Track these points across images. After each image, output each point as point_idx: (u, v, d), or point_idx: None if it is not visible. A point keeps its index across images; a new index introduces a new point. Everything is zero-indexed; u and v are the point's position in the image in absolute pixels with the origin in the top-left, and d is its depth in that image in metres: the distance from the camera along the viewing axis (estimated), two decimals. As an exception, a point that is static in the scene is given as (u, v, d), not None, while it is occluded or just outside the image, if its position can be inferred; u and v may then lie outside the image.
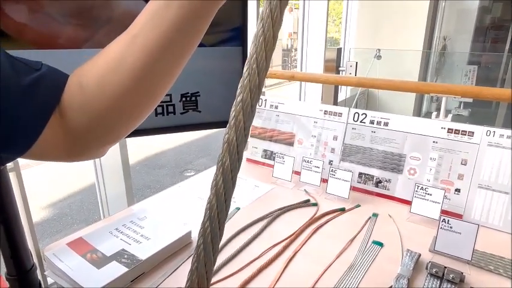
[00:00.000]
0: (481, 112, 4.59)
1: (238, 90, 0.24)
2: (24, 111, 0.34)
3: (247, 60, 0.24)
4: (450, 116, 1.28)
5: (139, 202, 1.12)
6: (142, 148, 4.48)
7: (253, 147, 1.34)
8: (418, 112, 4.18)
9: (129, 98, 0.35)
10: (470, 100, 4.33)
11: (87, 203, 3.28)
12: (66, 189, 3.50)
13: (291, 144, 1.25)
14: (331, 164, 1.16)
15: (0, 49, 0.34)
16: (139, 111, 0.37)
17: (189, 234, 0.86)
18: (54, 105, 0.35)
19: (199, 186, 1.18)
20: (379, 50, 3.23)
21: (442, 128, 0.99)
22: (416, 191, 0.94)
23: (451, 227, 0.78)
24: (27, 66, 0.35)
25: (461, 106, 4.45)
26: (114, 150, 1.47)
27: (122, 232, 0.85)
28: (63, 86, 0.36)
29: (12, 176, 0.73)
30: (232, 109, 0.24)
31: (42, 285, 0.71)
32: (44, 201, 3.32)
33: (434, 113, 1.38)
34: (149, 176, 3.93)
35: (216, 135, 5.22)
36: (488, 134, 0.92)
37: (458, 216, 0.94)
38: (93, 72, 0.35)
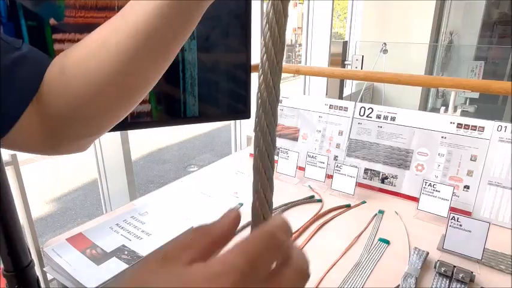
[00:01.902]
0: (487, 108, 4.53)
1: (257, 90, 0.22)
2: (1, 94, 0.31)
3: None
4: (459, 110, 1.25)
5: (141, 197, 1.10)
6: (146, 143, 4.48)
7: (257, 142, 1.32)
8: (424, 108, 4.14)
9: (109, 86, 0.32)
10: (477, 96, 4.29)
11: (91, 198, 3.28)
12: (70, 184, 3.51)
13: (295, 139, 1.23)
14: (336, 160, 1.14)
15: None
16: (120, 104, 0.34)
17: (190, 230, 0.84)
18: (34, 89, 0.33)
19: (202, 181, 1.16)
20: (385, 44, 3.19)
21: (451, 122, 0.96)
22: (424, 188, 0.91)
23: (460, 225, 0.75)
24: (6, 44, 0.32)
25: (467, 102, 4.40)
26: (116, 145, 1.45)
27: (122, 228, 0.83)
28: (44, 69, 0.33)
29: (10, 170, 0.72)
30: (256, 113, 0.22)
31: (41, 282, 0.70)
32: (48, 196, 3.33)
33: (443, 108, 1.34)
34: (152, 171, 3.92)
35: (219, 131, 5.20)
36: (499, 129, 0.89)
37: (467, 214, 0.91)
38: (75, 55, 0.32)
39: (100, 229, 0.82)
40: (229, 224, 0.20)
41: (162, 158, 4.27)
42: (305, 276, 0.19)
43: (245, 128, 1.89)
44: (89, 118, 0.35)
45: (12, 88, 0.32)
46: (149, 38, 0.29)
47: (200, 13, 0.30)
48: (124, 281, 0.18)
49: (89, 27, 0.44)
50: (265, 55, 0.21)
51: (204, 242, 0.19)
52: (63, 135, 0.36)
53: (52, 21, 0.42)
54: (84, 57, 0.32)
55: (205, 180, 1.16)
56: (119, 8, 0.44)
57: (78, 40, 0.43)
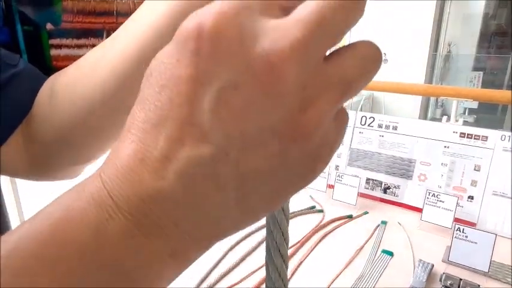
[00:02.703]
0: (486, 118, 4.54)
1: None
2: None
3: None
4: (461, 120, 1.25)
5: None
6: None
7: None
8: (423, 118, 4.14)
9: (99, 111, 0.29)
10: (476, 106, 4.30)
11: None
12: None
13: (296, 148, 1.22)
14: (338, 169, 1.12)
15: None
16: (109, 131, 0.32)
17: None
18: (25, 111, 0.31)
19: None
20: (385, 53, 3.21)
21: (454, 132, 0.95)
22: (428, 198, 0.89)
23: (466, 236, 0.74)
24: (1, 61, 0.31)
25: (466, 112, 4.41)
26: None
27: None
28: (36, 91, 0.31)
29: (4, 181, 0.70)
30: None
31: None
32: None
33: (445, 118, 1.34)
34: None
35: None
36: (503, 139, 0.88)
37: (472, 225, 0.90)
38: (66, 77, 0.31)
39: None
40: None
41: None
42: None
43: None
44: (76, 146, 0.32)
45: (2, 108, 0.30)
46: (139, 64, 0.27)
47: None
48: None
49: (86, 33, 0.43)
50: None
51: None
52: (50, 162, 0.34)
53: (49, 26, 0.41)
54: (75, 80, 0.30)
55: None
56: (118, 12, 0.44)
57: (76, 45, 0.42)
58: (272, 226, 0.20)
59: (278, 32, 0.13)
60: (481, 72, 4.51)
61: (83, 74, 0.30)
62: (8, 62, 0.31)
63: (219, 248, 0.82)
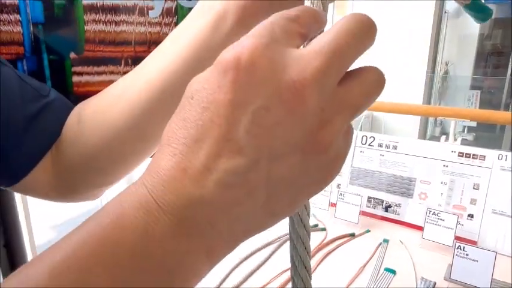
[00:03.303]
0: (485, 136, 4.57)
1: None
2: (22, 142, 0.32)
3: None
4: (459, 139, 1.27)
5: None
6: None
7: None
8: (423, 136, 4.17)
9: (123, 140, 0.32)
10: (475, 124, 4.33)
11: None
12: (69, 211, 3.47)
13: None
14: (340, 188, 1.14)
15: (12, 69, 0.33)
16: (133, 155, 0.34)
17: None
18: (54, 138, 0.34)
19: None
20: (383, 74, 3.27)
21: (452, 151, 0.98)
22: (428, 216, 0.91)
23: (467, 254, 0.75)
24: (35, 92, 0.33)
25: (465, 130, 4.45)
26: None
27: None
28: (65, 119, 0.34)
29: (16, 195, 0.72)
30: None
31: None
32: (46, 223, 3.28)
33: (443, 137, 1.37)
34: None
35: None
36: (500, 158, 0.90)
37: (473, 243, 0.91)
38: (93, 106, 0.33)
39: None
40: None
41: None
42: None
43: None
44: (101, 170, 0.35)
45: (34, 135, 0.33)
46: (163, 93, 0.30)
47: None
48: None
49: (106, 61, 0.46)
50: None
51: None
52: (75, 185, 0.36)
53: (72, 55, 0.44)
54: (101, 108, 0.32)
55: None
56: (135, 42, 0.47)
57: (97, 73, 0.45)
58: (296, 241, 0.22)
59: (301, 63, 0.16)
60: (479, 91, 4.56)
61: (110, 102, 0.32)
62: (41, 93, 0.34)
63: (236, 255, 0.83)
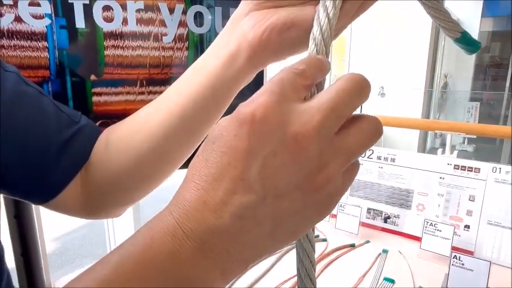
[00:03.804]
0: (485, 148, 4.60)
1: None
2: (56, 164, 0.36)
3: None
4: (456, 152, 1.31)
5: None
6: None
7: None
8: (422, 148, 4.20)
9: (146, 162, 0.36)
10: (474, 136, 4.35)
11: (90, 238, 3.24)
12: (71, 223, 3.48)
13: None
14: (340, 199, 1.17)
15: (50, 98, 0.37)
16: (157, 176, 0.38)
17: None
18: (84, 161, 0.37)
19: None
20: (383, 87, 3.32)
21: (448, 164, 1.01)
22: (426, 227, 0.94)
23: (462, 264, 0.78)
24: (69, 119, 0.37)
25: (466, 142, 4.48)
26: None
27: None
28: (94, 142, 0.38)
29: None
30: None
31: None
32: (48, 235, 3.29)
33: (440, 149, 1.40)
34: (154, 209, 3.90)
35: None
36: (494, 171, 0.94)
37: (469, 253, 0.93)
38: (120, 131, 0.37)
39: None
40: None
41: (165, 197, 4.26)
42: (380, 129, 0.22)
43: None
44: (126, 189, 0.39)
45: (67, 158, 0.36)
46: (184, 121, 0.34)
47: (234, 95, 0.34)
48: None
49: (123, 82, 0.50)
50: None
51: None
52: (102, 203, 0.40)
53: (92, 77, 0.48)
54: (127, 134, 0.36)
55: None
56: (150, 65, 0.51)
57: (114, 93, 0.49)
58: (302, 255, 0.25)
59: (304, 117, 0.20)
60: (478, 103, 4.60)
61: (135, 129, 0.36)
62: (74, 120, 0.38)
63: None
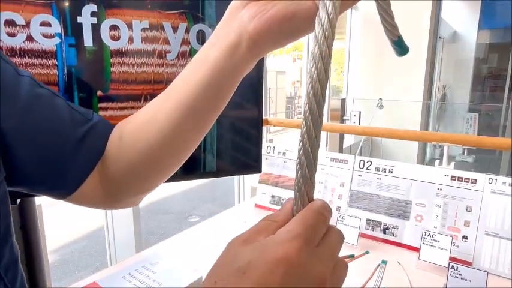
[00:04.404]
0: (485, 158, 4.61)
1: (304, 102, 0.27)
2: (74, 159, 0.38)
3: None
4: (453, 163, 1.32)
5: (151, 247, 1.13)
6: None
7: (262, 193, 1.37)
8: (422, 158, 4.21)
9: (158, 153, 0.38)
10: (474, 146, 4.35)
11: (89, 250, 3.24)
12: (70, 235, 3.47)
13: (299, 190, 1.28)
14: (339, 210, 1.18)
15: (62, 98, 0.39)
16: (168, 165, 0.40)
17: (200, 280, 0.87)
18: (99, 155, 0.40)
19: (209, 232, 1.19)
20: (381, 99, 3.35)
21: (445, 175, 1.02)
22: (424, 238, 0.95)
23: (460, 274, 0.79)
24: (82, 117, 0.40)
25: (465, 153, 4.49)
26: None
27: (134, 277, 0.86)
28: (108, 138, 0.40)
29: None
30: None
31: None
32: (48, 247, 3.28)
33: (437, 161, 1.42)
34: (153, 222, 3.90)
35: (220, 181, 5.23)
36: (490, 182, 0.95)
37: (468, 264, 0.94)
38: (131, 124, 0.39)
39: (113, 278, 0.85)
40: (290, 211, 0.27)
41: (163, 208, 4.26)
42: (343, 238, 0.27)
43: (249, 179, 1.95)
44: (141, 179, 0.41)
45: (82, 154, 0.38)
46: (192, 110, 0.35)
47: (237, 83, 0.36)
48: (217, 263, 0.24)
49: (128, 97, 0.52)
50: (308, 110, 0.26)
51: (273, 226, 0.25)
52: (119, 192, 0.42)
53: (99, 93, 0.50)
54: (138, 127, 0.38)
55: (212, 231, 1.20)
56: (154, 81, 0.53)
57: (119, 108, 0.51)
58: None
59: (322, 260, 0.24)
60: (477, 114, 4.63)
61: (146, 121, 0.38)
62: (87, 117, 0.40)
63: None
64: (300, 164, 0.26)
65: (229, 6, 0.33)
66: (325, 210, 0.26)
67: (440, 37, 4.14)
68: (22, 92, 0.36)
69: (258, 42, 0.32)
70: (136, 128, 0.39)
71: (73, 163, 0.38)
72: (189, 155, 0.40)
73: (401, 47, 0.36)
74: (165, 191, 4.70)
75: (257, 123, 0.65)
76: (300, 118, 0.30)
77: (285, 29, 0.31)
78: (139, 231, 1.51)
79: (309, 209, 0.26)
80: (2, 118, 0.33)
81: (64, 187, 0.39)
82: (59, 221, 3.77)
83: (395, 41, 0.36)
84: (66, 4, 0.46)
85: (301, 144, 0.27)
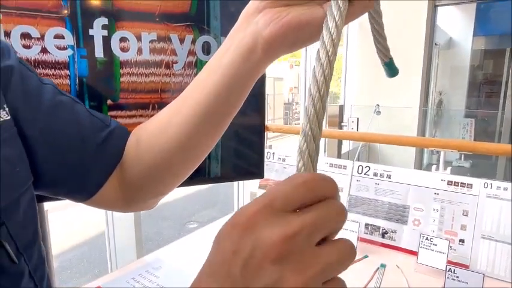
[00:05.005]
0: (482, 163, 4.65)
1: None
2: (94, 164, 0.40)
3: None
4: (449, 168, 1.34)
5: (152, 252, 1.14)
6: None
7: (262, 199, 1.39)
8: (419, 163, 4.24)
9: (174, 157, 0.39)
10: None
11: (88, 256, 3.23)
12: (69, 241, 3.46)
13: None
14: (338, 215, 1.20)
15: (82, 105, 0.41)
16: (184, 169, 0.42)
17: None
18: (118, 160, 0.42)
19: (211, 237, 1.21)
20: (378, 105, 3.39)
21: (442, 180, 1.05)
22: (422, 242, 0.97)
23: (457, 277, 0.80)
24: (101, 123, 0.41)
25: (462, 158, 4.52)
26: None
27: (138, 281, 0.87)
28: (125, 143, 0.42)
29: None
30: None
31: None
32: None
33: (434, 166, 1.44)
34: (152, 228, 3.89)
35: (219, 186, 5.22)
36: (486, 186, 0.98)
37: (465, 267, 0.96)
38: (148, 130, 0.41)
39: (117, 283, 0.87)
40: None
41: (161, 214, 4.26)
42: (348, 257, 0.23)
43: (248, 185, 1.96)
44: (157, 182, 0.42)
45: (102, 159, 0.40)
46: (207, 114, 0.37)
47: (251, 87, 0.37)
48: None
49: (136, 106, 0.54)
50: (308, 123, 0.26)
51: None
52: (137, 196, 0.44)
53: (109, 102, 0.52)
54: (155, 133, 0.40)
55: (213, 236, 1.21)
56: (162, 90, 0.55)
57: (128, 116, 0.53)
58: None
59: (285, 223, 0.22)
60: (473, 119, 4.67)
61: (161, 128, 0.40)
62: (105, 123, 0.42)
63: None
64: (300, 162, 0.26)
65: (243, 12, 0.35)
66: (313, 182, 0.23)
67: (436, 44, 4.20)
68: (45, 99, 0.38)
69: (273, 46, 0.33)
70: (152, 133, 0.40)
71: (93, 167, 0.40)
72: (203, 159, 0.42)
73: (391, 69, 0.38)
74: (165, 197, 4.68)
75: (260, 130, 0.67)
76: (298, 124, 0.31)
77: (298, 36, 0.32)
78: (140, 236, 1.52)
79: (292, 177, 0.24)
80: (27, 124, 0.35)
81: (85, 190, 0.41)
82: (58, 226, 3.76)
83: (386, 62, 0.37)
84: (79, 17, 0.48)
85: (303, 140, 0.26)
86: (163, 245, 1.16)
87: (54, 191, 0.40)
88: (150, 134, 0.41)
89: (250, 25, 0.34)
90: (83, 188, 0.40)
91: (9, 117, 0.33)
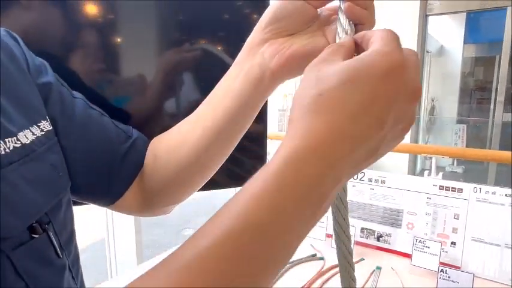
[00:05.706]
0: (474, 169, 4.72)
1: None
2: (118, 173, 0.43)
3: None
4: (441, 174, 1.39)
5: (152, 258, 1.17)
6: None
7: (260, 204, 1.42)
8: (413, 169, 4.30)
9: (188, 172, 0.43)
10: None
11: (86, 264, 3.22)
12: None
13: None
14: (335, 220, 1.24)
15: (108, 117, 0.45)
16: (197, 181, 0.46)
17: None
18: (139, 170, 0.45)
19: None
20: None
21: (434, 185, 1.09)
22: (415, 244, 1.01)
23: (449, 277, 0.84)
24: (124, 134, 0.45)
25: (455, 163, 4.59)
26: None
27: None
28: (145, 153, 0.46)
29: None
30: None
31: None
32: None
33: (427, 171, 1.49)
34: (148, 235, 3.89)
35: (215, 193, 5.23)
36: (475, 191, 1.02)
37: (457, 268, 1.00)
38: (164, 146, 0.45)
39: None
40: (351, 38, 0.30)
41: (157, 221, 4.26)
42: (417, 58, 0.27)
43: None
44: (173, 192, 0.46)
45: (125, 169, 0.44)
46: (219, 136, 0.40)
47: (259, 109, 0.41)
48: (304, 86, 0.27)
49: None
50: None
51: (342, 50, 0.28)
52: (155, 203, 0.47)
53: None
54: (170, 150, 0.44)
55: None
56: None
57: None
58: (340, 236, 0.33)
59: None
60: (465, 125, 4.74)
61: (177, 145, 0.43)
62: (128, 134, 0.45)
63: None
64: None
65: (248, 41, 0.38)
66: (389, 30, 0.27)
67: (427, 51, 4.29)
68: (77, 113, 0.41)
69: (279, 76, 0.37)
70: (168, 150, 0.44)
71: (117, 176, 0.43)
72: (216, 169, 0.45)
73: None
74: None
75: (262, 138, 0.71)
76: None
77: (302, 66, 0.35)
78: (140, 241, 1.54)
79: (379, 31, 0.27)
80: (63, 136, 0.39)
81: (109, 196, 0.44)
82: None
83: None
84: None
85: None
86: (160, 252, 1.19)
87: (81, 196, 0.44)
88: (166, 151, 0.44)
89: (257, 56, 0.37)
90: (108, 195, 0.44)
91: (51, 128, 0.37)
